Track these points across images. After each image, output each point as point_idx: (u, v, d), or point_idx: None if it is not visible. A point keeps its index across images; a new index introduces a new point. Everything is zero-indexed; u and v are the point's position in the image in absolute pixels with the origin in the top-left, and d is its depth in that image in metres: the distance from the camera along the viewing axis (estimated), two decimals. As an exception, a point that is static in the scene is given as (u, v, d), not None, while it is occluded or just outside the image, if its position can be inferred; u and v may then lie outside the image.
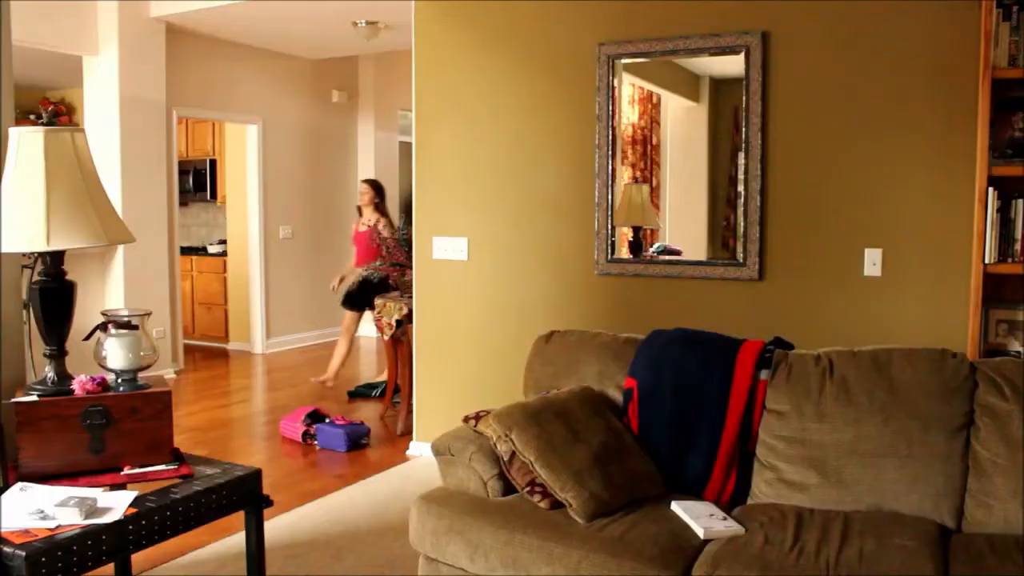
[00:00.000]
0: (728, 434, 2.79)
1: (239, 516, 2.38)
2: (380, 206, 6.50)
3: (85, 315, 2.63)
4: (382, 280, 6.03)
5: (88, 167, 2.33)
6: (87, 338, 2.47)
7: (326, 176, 8.75)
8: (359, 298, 6.29)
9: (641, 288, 4.17)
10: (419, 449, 4.78)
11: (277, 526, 3.70)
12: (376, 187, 6.53)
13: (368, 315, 6.32)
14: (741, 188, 3.88)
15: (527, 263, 4.44)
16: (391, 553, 3.44)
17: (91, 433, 2.27)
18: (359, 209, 6.64)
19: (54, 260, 2.35)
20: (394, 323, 5.35)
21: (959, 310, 3.46)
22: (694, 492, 2.79)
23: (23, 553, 1.81)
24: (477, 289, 4.57)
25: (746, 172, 3.86)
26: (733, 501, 2.78)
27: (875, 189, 3.66)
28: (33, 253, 2.37)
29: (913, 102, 3.57)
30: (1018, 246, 3.16)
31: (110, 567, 2.63)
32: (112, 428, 2.30)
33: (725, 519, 2.52)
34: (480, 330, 4.56)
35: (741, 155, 3.88)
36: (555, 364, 3.19)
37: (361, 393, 6.39)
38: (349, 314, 6.46)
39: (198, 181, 8.91)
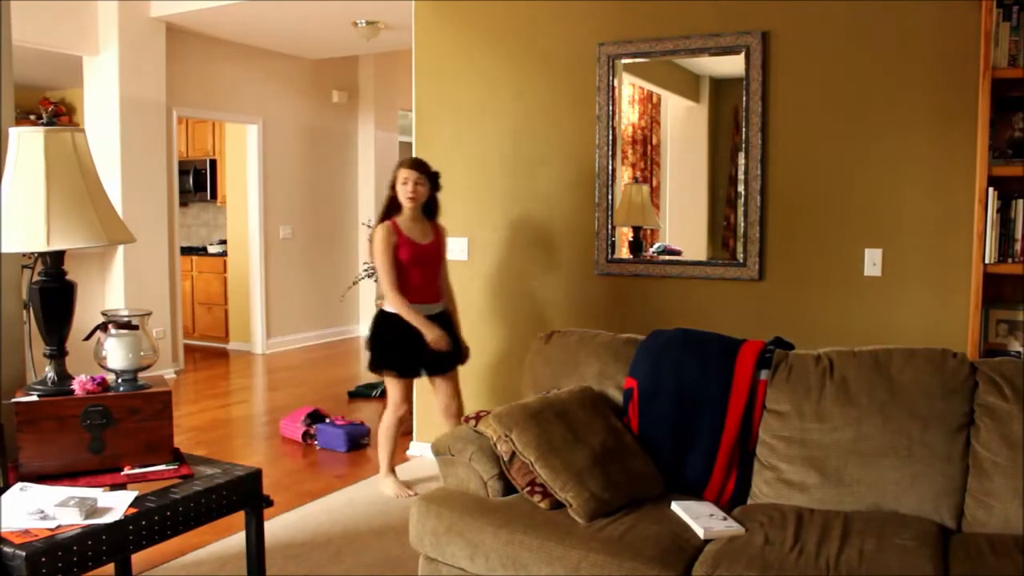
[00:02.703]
0: (728, 434, 2.79)
1: (239, 516, 2.38)
2: (431, 206, 4.06)
3: (85, 315, 2.63)
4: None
5: (88, 167, 2.33)
6: (87, 338, 2.47)
7: (326, 176, 8.76)
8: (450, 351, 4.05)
9: (641, 288, 4.16)
10: (419, 449, 4.78)
11: (277, 526, 3.70)
12: (434, 178, 4.02)
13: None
14: (741, 188, 3.88)
15: (527, 263, 4.44)
16: (391, 553, 3.44)
17: (91, 433, 2.28)
18: (389, 207, 3.96)
19: (54, 260, 2.36)
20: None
21: (959, 310, 3.46)
22: (694, 492, 2.79)
23: (23, 553, 1.81)
24: (477, 289, 4.57)
25: (746, 172, 3.86)
26: (733, 501, 2.78)
27: (875, 189, 3.66)
28: (33, 253, 2.37)
29: (913, 102, 3.56)
30: (1018, 246, 3.16)
31: (110, 567, 2.63)
32: (112, 428, 2.30)
33: (725, 519, 2.52)
34: (480, 330, 4.55)
35: (741, 155, 3.87)
36: (555, 364, 3.19)
37: (361, 393, 6.39)
38: (404, 383, 4.12)
39: (198, 181, 8.91)
